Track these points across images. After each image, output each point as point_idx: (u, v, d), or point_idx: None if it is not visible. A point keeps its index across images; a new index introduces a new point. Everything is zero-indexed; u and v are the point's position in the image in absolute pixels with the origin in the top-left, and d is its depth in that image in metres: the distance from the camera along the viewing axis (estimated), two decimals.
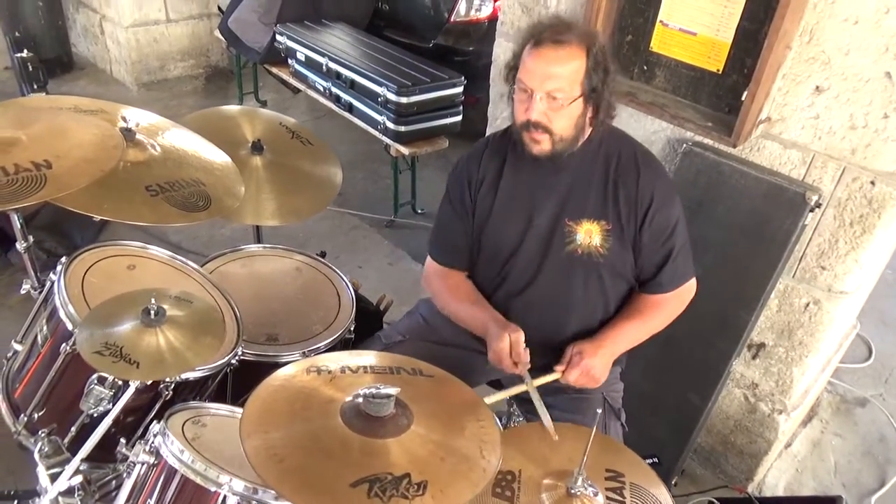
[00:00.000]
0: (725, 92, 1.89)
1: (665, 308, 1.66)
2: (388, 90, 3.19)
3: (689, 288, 1.68)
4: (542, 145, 1.50)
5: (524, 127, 1.50)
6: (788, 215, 1.81)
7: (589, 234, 1.57)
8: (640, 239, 1.58)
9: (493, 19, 3.90)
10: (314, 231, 3.40)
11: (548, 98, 1.45)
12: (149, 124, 1.82)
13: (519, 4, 2.30)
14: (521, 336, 1.50)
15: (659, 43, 1.97)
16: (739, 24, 1.79)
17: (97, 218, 3.51)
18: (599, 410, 1.33)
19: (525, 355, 1.49)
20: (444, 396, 1.18)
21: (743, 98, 1.75)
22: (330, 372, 1.10)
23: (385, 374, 1.16)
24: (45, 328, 1.46)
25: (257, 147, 2.12)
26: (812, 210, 1.79)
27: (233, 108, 2.37)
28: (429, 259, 1.79)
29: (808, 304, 1.97)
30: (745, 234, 1.88)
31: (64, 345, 1.35)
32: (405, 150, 3.31)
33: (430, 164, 4.11)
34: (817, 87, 1.74)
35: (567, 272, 1.60)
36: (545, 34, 1.46)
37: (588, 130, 1.56)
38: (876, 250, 1.85)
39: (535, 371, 1.51)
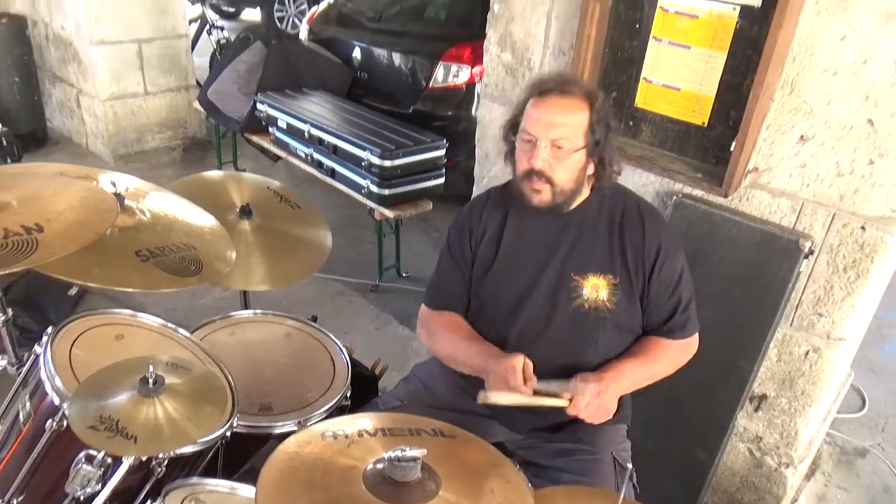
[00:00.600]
0: (712, 144, 1.93)
1: (671, 353, 1.63)
2: (371, 154, 3.20)
3: (694, 341, 1.66)
4: (542, 195, 1.51)
5: (526, 176, 1.51)
6: (783, 263, 1.82)
7: (596, 289, 1.56)
8: (649, 290, 1.57)
9: (470, 85, 4.00)
10: (298, 297, 3.33)
11: (552, 146, 1.47)
12: (135, 188, 1.78)
13: (503, 66, 2.36)
14: (531, 363, 1.46)
15: (643, 99, 2.01)
16: (722, 78, 1.84)
17: (73, 291, 3.41)
18: (630, 465, 1.29)
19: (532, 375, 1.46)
20: (468, 457, 1.12)
21: (732, 148, 1.79)
22: (347, 436, 1.04)
23: (405, 435, 1.10)
24: (27, 405, 1.37)
25: (246, 211, 2.09)
26: (807, 257, 1.81)
27: (218, 174, 2.35)
28: (423, 308, 1.75)
29: (807, 353, 1.96)
30: (742, 284, 1.88)
31: (49, 421, 1.26)
32: (390, 214, 3.30)
33: (413, 227, 4.10)
34: (802, 137, 1.79)
35: (574, 328, 1.57)
36: (550, 85, 1.50)
37: (588, 188, 1.59)
38: (871, 295, 1.86)
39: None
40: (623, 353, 1.62)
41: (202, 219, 1.85)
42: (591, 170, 1.55)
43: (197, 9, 5.60)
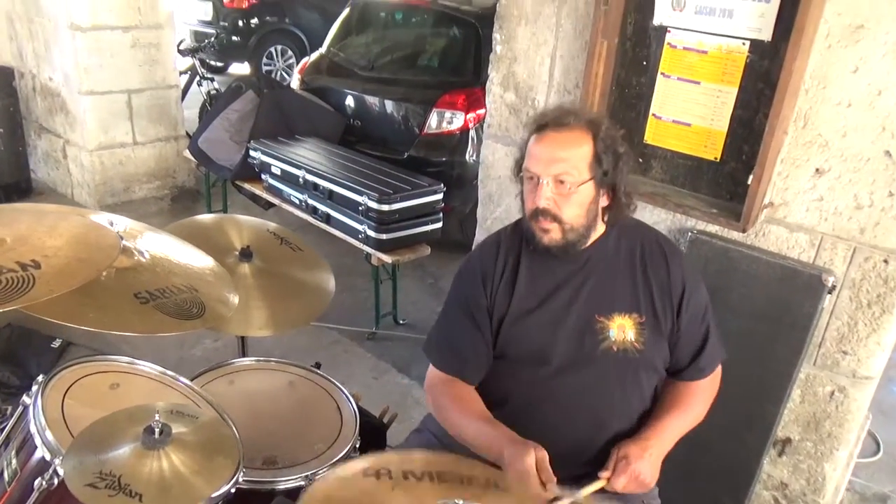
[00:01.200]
0: (725, 179, 1.90)
1: (704, 394, 1.56)
2: (368, 198, 3.15)
3: (719, 371, 1.59)
4: (551, 234, 1.43)
5: (533, 216, 1.44)
6: (806, 299, 1.76)
7: (622, 329, 1.48)
8: (679, 327, 1.50)
9: (464, 131, 4.00)
10: (291, 346, 3.22)
11: (555, 183, 1.40)
12: (131, 229, 1.70)
13: (506, 106, 2.33)
14: (546, 455, 1.32)
15: (653, 135, 1.99)
16: (734, 112, 1.82)
17: (56, 343, 3.26)
18: None
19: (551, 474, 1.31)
20: None
21: (749, 182, 1.75)
22: (391, 477, 0.93)
23: (455, 484, 0.99)
24: (13, 462, 1.25)
25: (246, 254, 2.01)
26: (830, 292, 1.76)
27: (215, 216, 2.28)
28: (431, 369, 1.62)
29: (832, 393, 1.89)
30: (764, 321, 1.82)
31: (39, 479, 1.14)
32: (387, 259, 3.23)
33: (408, 274, 4.03)
34: (817, 170, 1.76)
35: (603, 371, 1.49)
36: (549, 120, 1.44)
37: (604, 222, 1.51)
38: None
39: (567, 482, 1.35)
40: (656, 404, 1.54)
41: (202, 261, 1.77)
42: (604, 202, 1.48)
43: (188, 60, 5.61)
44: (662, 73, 1.92)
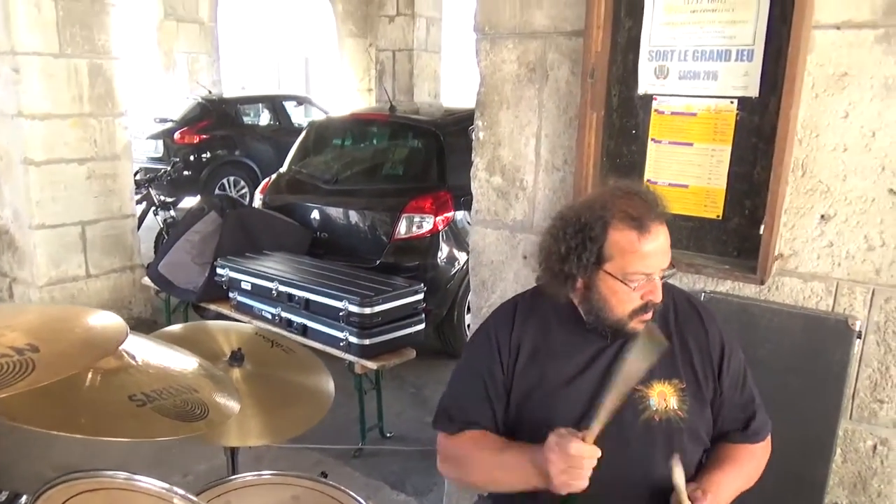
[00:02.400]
0: (730, 236, 1.88)
1: (757, 457, 1.47)
2: (349, 303, 3.03)
3: (769, 441, 1.50)
4: (647, 322, 1.37)
5: (638, 312, 1.35)
6: (837, 346, 1.70)
7: (663, 397, 1.39)
8: (721, 390, 1.42)
9: (434, 233, 3.99)
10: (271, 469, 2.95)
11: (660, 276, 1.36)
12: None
13: (494, 190, 2.31)
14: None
15: None
16: (730, 169, 1.84)
17: (2, 497, 2.92)
18: None
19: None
20: None
21: (761, 231, 1.73)
22: None
23: None
24: None
25: (237, 357, 1.84)
26: (859, 337, 1.70)
27: (197, 323, 2.12)
28: (440, 438, 1.51)
29: (875, 447, 1.80)
30: (797, 375, 1.74)
31: None
32: (372, 365, 3.06)
33: (387, 385, 3.82)
34: (823, 216, 1.76)
35: (645, 444, 1.38)
36: (646, 214, 1.33)
37: None
38: None
39: None
40: (708, 462, 1.42)
41: (194, 364, 1.60)
42: None
43: (143, 190, 5.54)
44: (653, 139, 1.95)
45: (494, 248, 2.36)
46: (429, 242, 3.98)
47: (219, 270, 3.69)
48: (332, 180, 4.51)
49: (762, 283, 1.75)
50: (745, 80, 1.77)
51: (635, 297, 1.34)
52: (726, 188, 1.85)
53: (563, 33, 2.06)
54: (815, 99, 1.71)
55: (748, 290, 1.86)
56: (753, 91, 1.76)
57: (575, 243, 1.34)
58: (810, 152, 1.75)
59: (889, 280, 1.70)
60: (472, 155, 2.37)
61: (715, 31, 1.78)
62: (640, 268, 1.32)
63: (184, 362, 1.56)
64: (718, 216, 1.88)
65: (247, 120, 8.94)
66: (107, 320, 1.20)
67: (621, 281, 1.33)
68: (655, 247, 1.32)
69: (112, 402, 1.23)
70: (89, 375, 1.27)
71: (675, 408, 1.39)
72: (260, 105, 9.29)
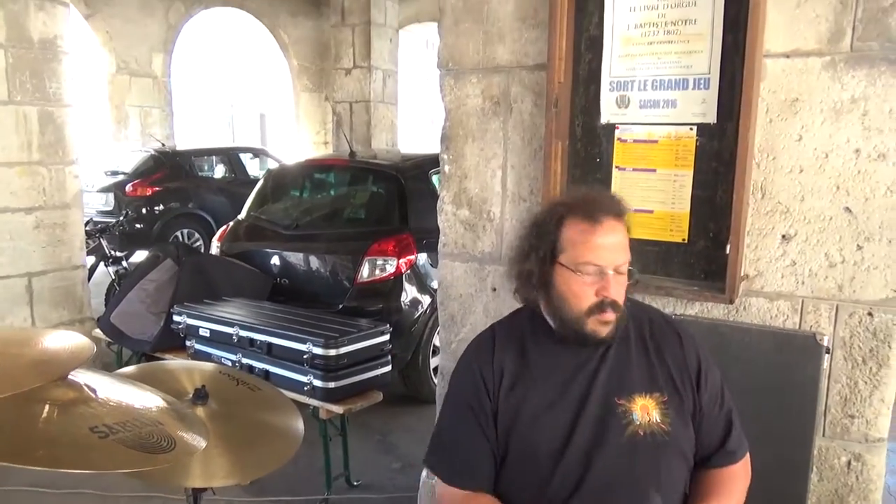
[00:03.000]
0: (696, 259, 1.91)
1: (740, 480, 1.46)
2: (313, 345, 2.95)
3: (748, 456, 1.49)
4: (609, 326, 1.37)
5: (594, 310, 1.35)
6: (808, 362, 1.73)
7: (646, 411, 1.38)
8: (700, 405, 1.42)
9: (398, 276, 3.95)
10: None
11: (615, 274, 1.36)
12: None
13: (461, 223, 2.32)
14: None
15: None
16: (693, 193, 1.88)
17: None
18: None
19: None
20: None
21: (727, 251, 1.77)
22: None
23: None
24: None
25: (201, 395, 1.76)
26: (828, 352, 1.74)
27: (156, 363, 2.03)
28: (441, 486, 1.46)
29: (849, 463, 1.81)
30: (770, 394, 1.76)
31: None
32: (338, 409, 2.97)
33: (352, 433, 3.70)
34: (784, 236, 1.82)
35: (631, 459, 1.36)
36: (597, 207, 1.37)
37: None
38: None
39: None
40: (690, 496, 1.41)
41: (157, 400, 1.52)
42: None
43: (93, 240, 5.37)
44: (617, 167, 1.99)
45: (463, 281, 2.35)
46: (392, 285, 3.94)
47: (175, 318, 3.56)
48: (292, 225, 4.46)
49: (731, 302, 1.78)
50: (703, 107, 1.84)
51: (589, 292, 1.34)
52: (690, 212, 1.89)
53: (525, 67, 2.11)
54: (770, 124, 1.79)
55: (717, 311, 1.88)
56: (711, 117, 1.83)
57: (534, 239, 1.40)
58: (768, 174, 1.81)
59: (851, 296, 1.75)
60: (439, 188, 2.38)
61: (672, 61, 1.86)
62: (591, 258, 1.34)
63: (147, 398, 1.48)
64: (684, 240, 1.92)
65: (201, 172, 8.84)
66: (66, 341, 1.13)
67: (573, 271, 1.34)
68: (608, 240, 1.34)
69: (72, 433, 1.15)
70: (46, 408, 1.19)
71: (658, 421, 1.38)
72: (215, 157, 9.22)
